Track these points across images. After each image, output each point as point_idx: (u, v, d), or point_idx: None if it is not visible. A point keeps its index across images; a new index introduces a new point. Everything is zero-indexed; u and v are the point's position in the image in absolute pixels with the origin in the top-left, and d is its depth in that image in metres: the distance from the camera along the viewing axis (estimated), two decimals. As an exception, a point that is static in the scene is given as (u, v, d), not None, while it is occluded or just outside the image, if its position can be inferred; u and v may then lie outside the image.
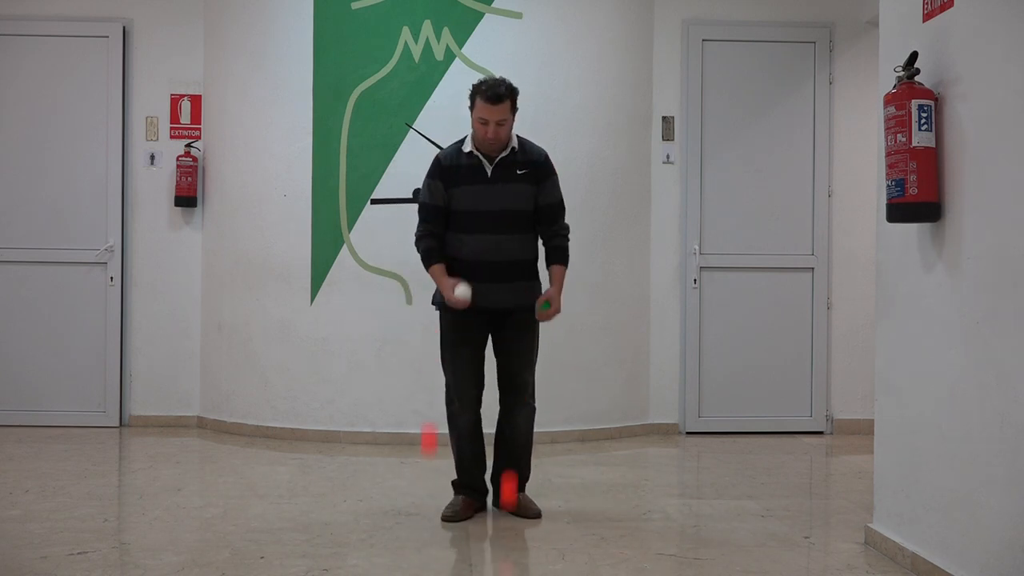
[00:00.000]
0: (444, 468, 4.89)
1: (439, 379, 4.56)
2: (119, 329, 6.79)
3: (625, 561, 3.83)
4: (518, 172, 4.39)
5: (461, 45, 6.24)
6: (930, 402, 3.62)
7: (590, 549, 3.98)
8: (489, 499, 4.60)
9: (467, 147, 4.41)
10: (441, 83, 6.21)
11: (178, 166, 6.71)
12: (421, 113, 6.23)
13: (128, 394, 6.83)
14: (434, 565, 3.83)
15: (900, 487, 3.83)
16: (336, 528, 4.26)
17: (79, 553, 3.83)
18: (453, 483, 4.58)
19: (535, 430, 4.58)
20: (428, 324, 5.22)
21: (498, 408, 4.54)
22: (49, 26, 6.76)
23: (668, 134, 6.73)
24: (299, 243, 6.35)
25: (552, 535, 4.19)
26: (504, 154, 4.38)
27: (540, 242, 4.53)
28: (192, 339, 6.82)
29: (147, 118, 6.84)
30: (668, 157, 6.73)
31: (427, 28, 6.22)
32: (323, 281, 6.31)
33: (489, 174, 4.37)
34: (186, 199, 6.72)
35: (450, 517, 4.39)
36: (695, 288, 6.72)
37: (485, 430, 4.55)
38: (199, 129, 6.83)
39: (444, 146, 4.98)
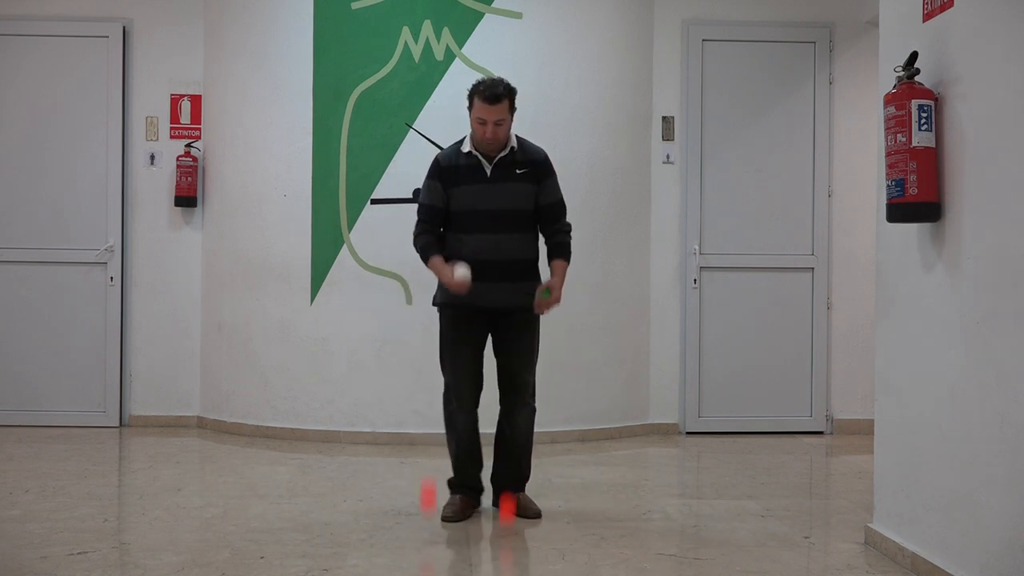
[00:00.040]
0: (444, 468, 4.88)
1: (439, 379, 4.56)
2: (119, 329, 6.79)
3: (625, 561, 3.83)
4: (517, 171, 4.40)
5: (461, 45, 6.24)
6: (930, 402, 3.62)
7: (590, 549, 3.98)
8: (489, 499, 4.60)
9: (466, 147, 4.41)
10: (441, 83, 6.21)
11: (178, 166, 6.71)
12: (421, 113, 6.22)
13: (128, 394, 6.84)
14: (434, 565, 3.83)
15: (900, 487, 3.83)
16: (336, 528, 4.26)
17: (79, 553, 3.83)
18: (449, 482, 4.58)
19: (535, 430, 4.58)
20: (428, 324, 5.22)
21: (497, 408, 4.54)
22: (49, 26, 6.76)
23: (668, 134, 6.74)
24: (299, 243, 6.35)
25: (552, 535, 4.19)
26: (503, 154, 4.39)
27: (540, 242, 4.53)
28: (192, 339, 6.82)
29: (147, 118, 6.84)
30: (668, 157, 6.73)
31: (427, 28, 6.22)
32: (323, 281, 6.31)
33: (488, 174, 4.38)
34: (186, 199, 6.72)
35: (450, 517, 4.39)
36: (695, 288, 6.72)
37: (485, 430, 4.55)
38: (199, 129, 6.83)
39: (444, 146, 4.98)
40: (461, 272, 4.25)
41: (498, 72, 5.03)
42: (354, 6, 6.26)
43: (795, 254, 6.78)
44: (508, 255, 4.38)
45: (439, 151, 4.70)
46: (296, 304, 6.35)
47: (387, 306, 6.25)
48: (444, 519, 4.39)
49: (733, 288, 6.75)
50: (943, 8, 3.55)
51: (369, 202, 6.27)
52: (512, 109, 4.35)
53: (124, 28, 6.80)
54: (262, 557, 3.81)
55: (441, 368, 4.52)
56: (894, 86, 3.63)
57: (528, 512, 4.46)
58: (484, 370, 4.49)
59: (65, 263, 6.76)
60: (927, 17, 3.66)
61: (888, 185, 3.64)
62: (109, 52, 6.78)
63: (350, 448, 6.09)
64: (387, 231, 6.18)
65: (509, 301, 4.40)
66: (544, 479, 5.15)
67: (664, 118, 6.73)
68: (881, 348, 4.01)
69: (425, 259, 4.42)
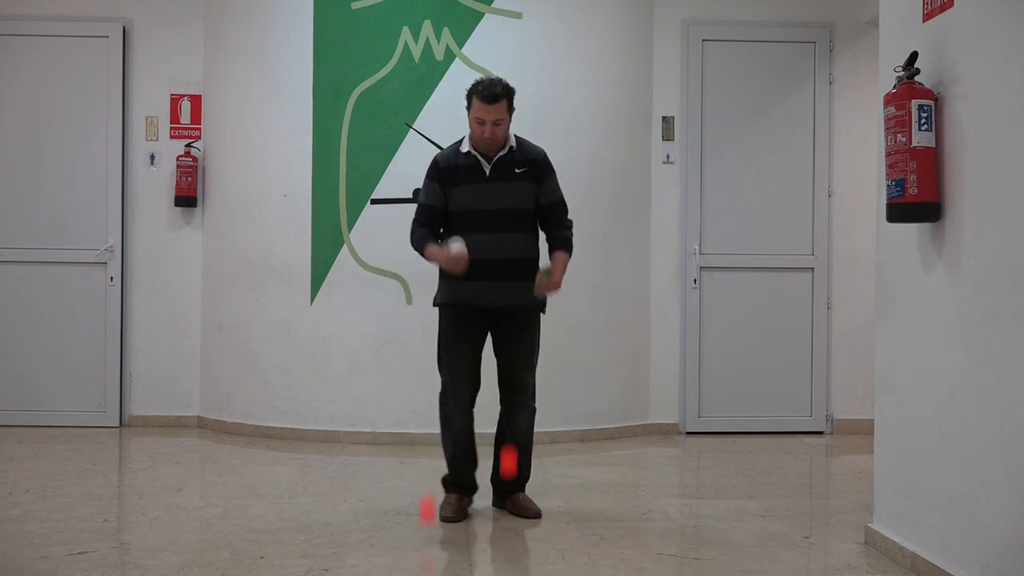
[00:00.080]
0: (444, 469, 4.87)
1: (439, 379, 4.56)
2: (119, 329, 6.79)
3: (625, 561, 3.83)
4: (516, 171, 4.40)
5: (461, 45, 6.24)
6: (930, 402, 3.62)
7: (590, 549, 3.98)
8: (488, 499, 4.60)
9: (465, 147, 4.42)
10: (441, 83, 6.21)
11: (178, 166, 6.71)
12: (421, 113, 6.23)
13: (128, 394, 6.84)
14: (434, 565, 3.83)
15: (900, 487, 3.83)
16: (336, 528, 4.26)
17: (79, 553, 3.83)
18: (443, 481, 4.58)
19: (535, 430, 4.59)
20: (428, 324, 5.22)
21: (497, 408, 4.54)
22: (49, 26, 6.77)
23: (668, 134, 6.74)
24: (299, 243, 6.35)
25: (552, 535, 4.19)
26: (502, 153, 4.39)
27: (541, 242, 4.53)
28: (192, 339, 6.82)
29: (147, 118, 6.84)
30: (668, 157, 6.73)
31: (427, 28, 6.22)
32: (323, 281, 6.31)
33: (487, 173, 4.38)
34: (186, 199, 6.72)
35: (450, 517, 4.38)
36: (695, 288, 6.72)
37: (485, 430, 4.55)
38: (199, 129, 6.83)
39: (444, 146, 4.98)
40: (456, 247, 4.20)
41: (498, 72, 5.03)
42: (354, 6, 6.26)
43: (795, 254, 6.78)
44: (508, 254, 4.38)
45: (438, 151, 4.70)
46: (296, 304, 6.35)
47: (387, 306, 6.25)
48: (443, 519, 4.39)
49: (733, 288, 6.75)
50: (943, 8, 3.55)
51: (369, 202, 6.27)
52: (511, 109, 4.35)
53: (124, 28, 6.80)
54: (262, 557, 3.81)
55: (439, 368, 4.52)
56: (894, 86, 3.63)
57: (528, 512, 4.46)
58: (483, 371, 4.49)
59: (65, 263, 6.76)
60: (927, 17, 3.66)
61: (888, 185, 3.64)
62: (109, 52, 6.78)
63: (350, 448, 6.09)
64: (387, 231, 6.18)
65: (509, 301, 4.40)
66: (544, 479, 5.15)
67: (664, 118, 6.73)
68: (881, 348, 4.01)
69: (421, 249, 4.39)
